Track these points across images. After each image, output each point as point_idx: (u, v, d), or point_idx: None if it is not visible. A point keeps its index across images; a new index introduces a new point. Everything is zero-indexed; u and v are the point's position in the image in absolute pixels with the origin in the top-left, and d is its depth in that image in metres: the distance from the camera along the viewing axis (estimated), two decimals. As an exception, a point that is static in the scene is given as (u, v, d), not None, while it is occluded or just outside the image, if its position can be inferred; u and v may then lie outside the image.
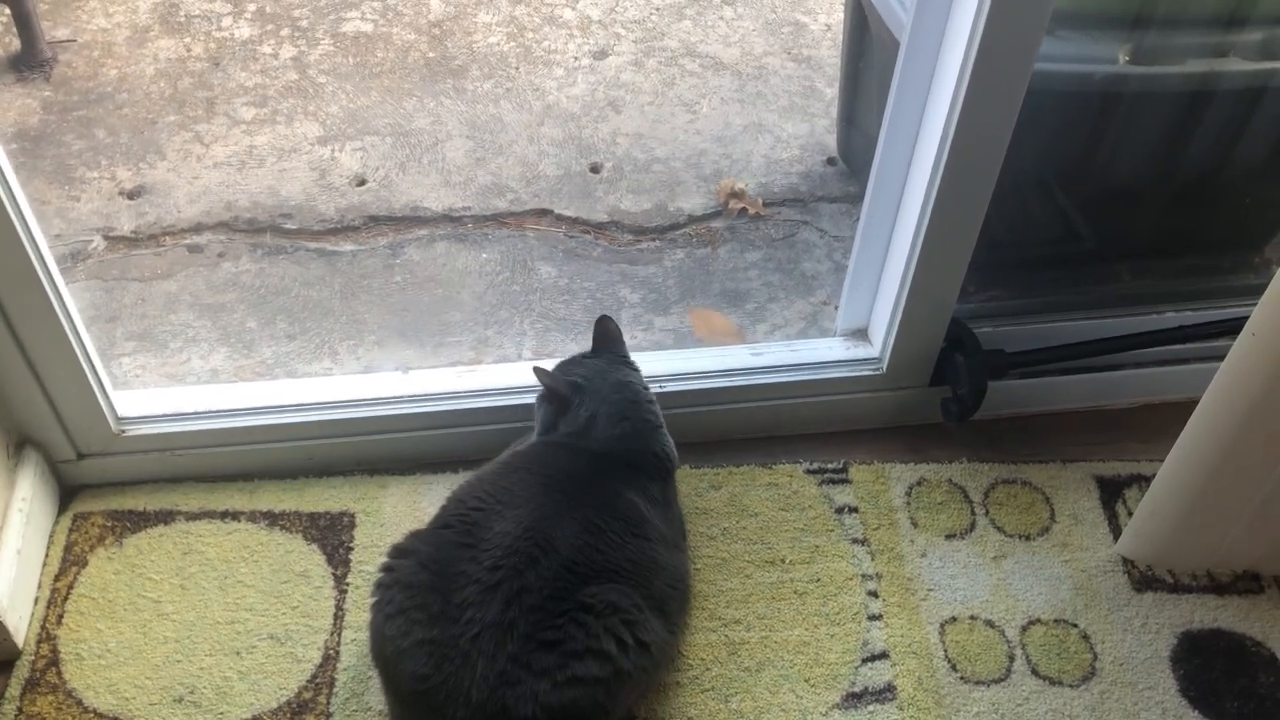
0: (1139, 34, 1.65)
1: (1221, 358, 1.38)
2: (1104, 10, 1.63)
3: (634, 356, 1.86)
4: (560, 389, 1.48)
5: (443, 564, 1.28)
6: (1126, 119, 1.71)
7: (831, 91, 2.46)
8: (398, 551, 1.34)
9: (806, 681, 1.46)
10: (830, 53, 2.59)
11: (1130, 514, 1.65)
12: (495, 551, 1.28)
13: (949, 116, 1.39)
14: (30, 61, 2.44)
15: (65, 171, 2.22)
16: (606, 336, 1.57)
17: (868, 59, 2.04)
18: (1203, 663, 1.50)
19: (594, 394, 1.48)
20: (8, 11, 2.45)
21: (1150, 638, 1.53)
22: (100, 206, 2.16)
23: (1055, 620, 1.54)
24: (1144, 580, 1.59)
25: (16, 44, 2.45)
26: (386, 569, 1.32)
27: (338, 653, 1.46)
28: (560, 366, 1.55)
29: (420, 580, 1.27)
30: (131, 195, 2.18)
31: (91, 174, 2.22)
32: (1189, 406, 1.46)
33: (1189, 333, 1.70)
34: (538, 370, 1.48)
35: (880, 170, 1.56)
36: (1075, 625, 1.54)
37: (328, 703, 1.41)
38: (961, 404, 1.67)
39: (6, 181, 1.31)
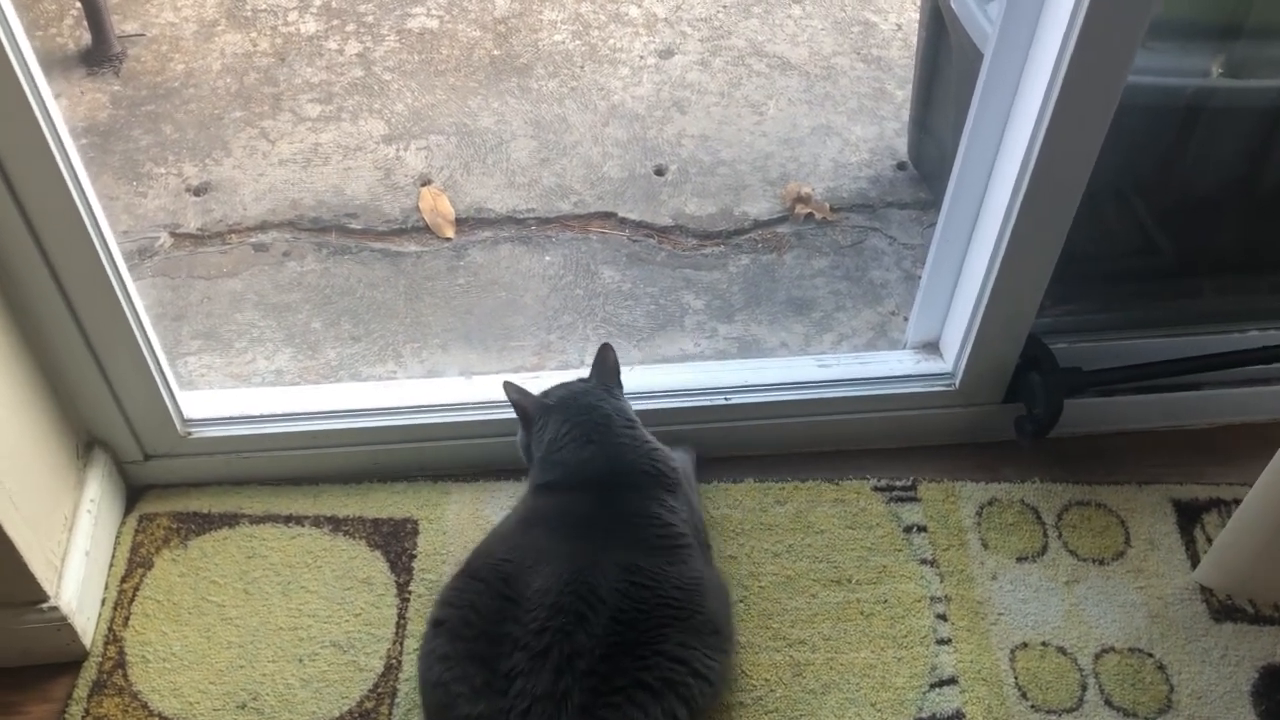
0: (1233, 45, 1.59)
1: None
2: (1198, 21, 1.57)
3: (697, 364, 1.85)
4: (525, 405, 1.47)
5: (485, 623, 1.25)
6: (1215, 131, 1.65)
7: (902, 94, 2.42)
8: (434, 620, 1.31)
9: (873, 705, 1.43)
10: (901, 54, 2.54)
11: (1209, 540, 1.60)
12: (539, 612, 1.23)
13: (1035, 130, 1.34)
14: (100, 56, 2.45)
15: (133, 167, 2.23)
16: (604, 365, 1.52)
17: (944, 64, 1.99)
18: (1285, 698, 1.46)
19: (558, 413, 1.45)
20: (79, 6, 2.47)
21: (1230, 670, 1.48)
22: (167, 203, 2.17)
23: (1130, 649, 1.50)
24: (1223, 610, 1.54)
25: (88, 38, 2.47)
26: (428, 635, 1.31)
27: (400, 662, 1.45)
28: (547, 390, 1.52)
29: (458, 651, 1.24)
30: (198, 192, 2.19)
31: (159, 170, 2.23)
32: (1270, 428, 1.41)
33: (1274, 353, 1.65)
34: (507, 385, 1.48)
35: (959, 181, 1.52)
36: (1151, 655, 1.49)
37: (389, 713, 1.41)
38: (1037, 423, 1.63)
39: (78, 179, 1.31)
